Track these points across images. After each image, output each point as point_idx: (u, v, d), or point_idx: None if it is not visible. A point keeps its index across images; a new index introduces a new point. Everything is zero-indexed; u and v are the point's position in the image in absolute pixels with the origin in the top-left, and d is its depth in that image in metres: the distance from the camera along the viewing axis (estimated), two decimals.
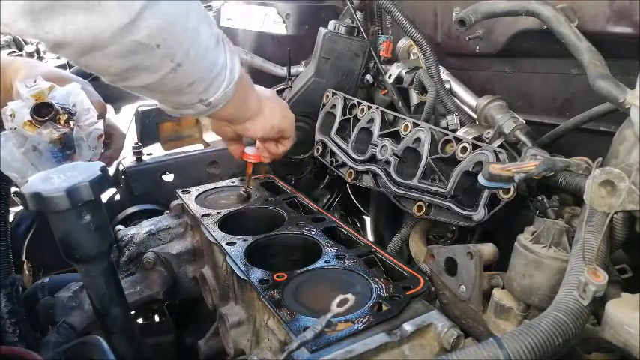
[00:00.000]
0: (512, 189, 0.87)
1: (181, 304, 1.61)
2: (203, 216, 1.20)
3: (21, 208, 1.46)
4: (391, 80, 1.42)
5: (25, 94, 1.07)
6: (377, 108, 1.27)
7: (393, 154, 1.16)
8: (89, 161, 1.15)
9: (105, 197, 1.75)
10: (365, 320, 0.78)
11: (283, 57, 1.69)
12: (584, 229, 0.68)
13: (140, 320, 1.68)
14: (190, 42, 0.70)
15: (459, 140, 1.02)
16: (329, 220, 1.16)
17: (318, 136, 1.45)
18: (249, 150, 1.14)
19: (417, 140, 1.11)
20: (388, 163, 1.17)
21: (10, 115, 1.06)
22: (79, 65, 0.68)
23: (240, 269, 0.95)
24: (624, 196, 0.63)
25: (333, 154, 1.39)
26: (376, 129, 1.24)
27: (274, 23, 1.84)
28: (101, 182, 0.86)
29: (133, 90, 0.75)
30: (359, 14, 1.51)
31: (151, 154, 1.70)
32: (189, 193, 1.36)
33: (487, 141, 1.09)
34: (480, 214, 0.93)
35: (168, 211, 1.39)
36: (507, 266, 0.78)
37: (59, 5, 0.58)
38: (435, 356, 0.77)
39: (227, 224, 1.17)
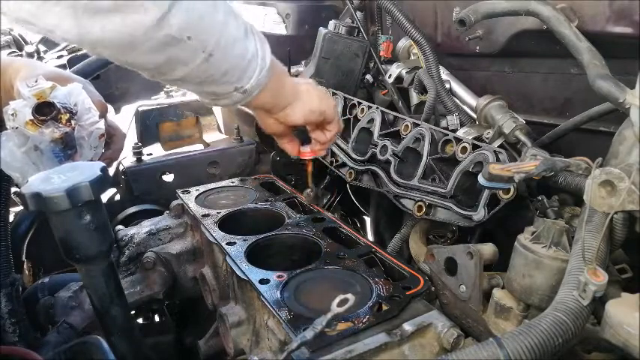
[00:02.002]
0: (512, 189, 0.87)
1: (181, 304, 1.61)
2: (203, 216, 1.20)
3: (21, 208, 1.46)
4: (391, 80, 1.42)
5: (27, 94, 1.07)
6: (377, 108, 1.27)
7: (393, 154, 1.16)
8: (90, 161, 1.15)
9: (105, 197, 1.75)
10: (365, 320, 0.78)
11: (283, 57, 1.67)
12: (584, 229, 0.68)
13: (140, 320, 1.68)
14: (219, 33, 0.75)
15: (459, 140, 1.02)
16: (329, 220, 1.16)
17: None
18: (304, 148, 1.13)
19: (417, 140, 1.11)
20: (388, 163, 1.17)
21: (12, 115, 1.06)
22: (120, 63, 0.74)
23: (240, 269, 0.95)
24: (624, 196, 0.63)
25: (333, 154, 1.39)
26: (376, 129, 1.24)
27: (274, 23, 1.84)
28: (101, 182, 0.86)
29: (172, 83, 0.84)
30: (359, 14, 1.51)
31: (151, 154, 1.70)
32: (189, 193, 1.36)
33: (487, 141, 1.09)
34: (480, 214, 0.93)
35: (168, 211, 1.39)
36: (507, 266, 0.78)
37: (98, 6, 0.64)
38: (435, 356, 0.77)
39: (227, 224, 1.17)
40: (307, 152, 1.13)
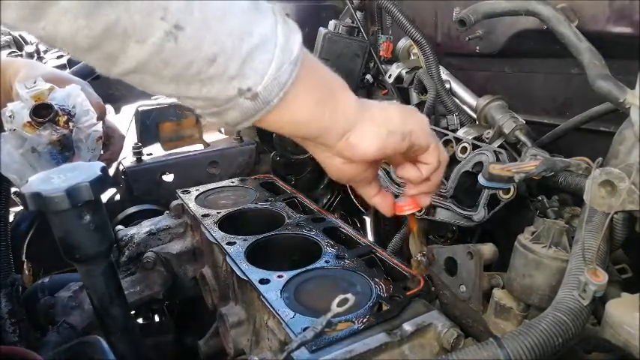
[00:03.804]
0: (512, 189, 0.88)
1: (181, 304, 1.61)
2: (203, 216, 1.20)
3: (21, 208, 1.46)
4: (391, 80, 1.42)
5: (25, 96, 1.07)
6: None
7: None
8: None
9: (105, 197, 1.75)
10: (365, 320, 0.78)
11: None
12: (584, 229, 0.68)
13: (140, 320, 1.68)
14: None
15: (458, 140, 1.02)
16: (329, 220, 1.16)
17: None
18: (400, 201, 0.81)
19: None
20: (388, 163, 1.17)
21: (10, 116, 1.06)
22: (42, 42, 0.55)
23: (240, 269, 0.95)
24: (624, 196, 0.63)
25: None
26: None
27: None
28: (101, 182, 0.86)
29: (135, 80, 0.55)
30: (359, 14, 1.51)
31: (151, 154, 1.70)
32: (189, 193, 1.36)
33: (487, 141, 1.09)
34: (480, 214, 0.93)
35: (168, 211, 1.39)
36: (507, 266, 0.78)
37: None
38: (435, 356, 0.77)
39: (227, 224, 1.17)
40: (404, 205, 0.80)
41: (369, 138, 0.65)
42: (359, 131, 0.65)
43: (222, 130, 2.03)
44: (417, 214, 1.06)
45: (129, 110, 2.04)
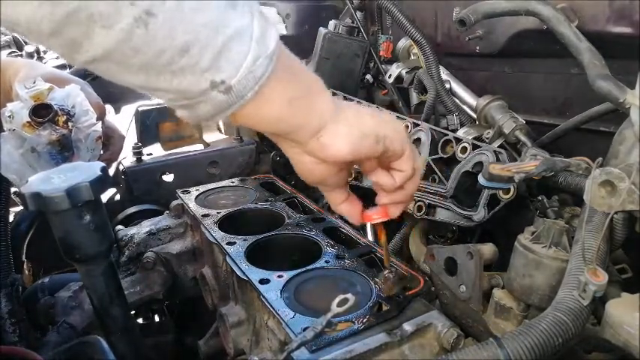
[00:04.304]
0: (512, 189, 0.87)
1: (181, 304, 1.61)
2: (203, 216, 1.20)
3: (21, 208, 1.46)
4: (391, 80, 1.42)
5: (24, 96, 1.07)
6: (377, 108, 1.27)
7: None
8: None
9: (105, 197, 1.75)
10: (365, 320, 0.78)
11: None
12: (584, 229, 0.68)
13: (140, 320, 1.68)
14: None
15: (458, 140, 1.02)
16: (329, 220, 1.16)
17: None
18: (370, 210, 0.78)
19: (417, 140, 1.11)
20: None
21: (9, 117, 1.07)
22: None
23: (240, 269, 0.95)
24: (624, 196, 0.63)
25: None
26: None
27: (274, 23, 1.84)
28: (101, 182, 0.86)
29: (101, 72, 0.53)
30: (359, 14, 1.51)
31: (151, 154, 1.70)
32: (189, 193, 1.36)
33: (487, 141, 1.09)
34: (480, 214, 0.93)
35: (168, 211, 1.39)
36: (507, 266, 0.78)
37: None
38: (435, 356, 0.77)
39: (227, 224, 1.17)
40: (374, 213, 0.77)
41: (342, 139, 0.63)
42: (332, 131, 0.63)
43: (222, 129, 2.04)
44: (417, 214, 1.06)
45: (129, 110, 2.04)
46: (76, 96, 1.14)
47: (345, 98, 1.39)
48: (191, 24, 0.50)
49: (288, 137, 0.64)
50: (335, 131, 0.63)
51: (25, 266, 1.38)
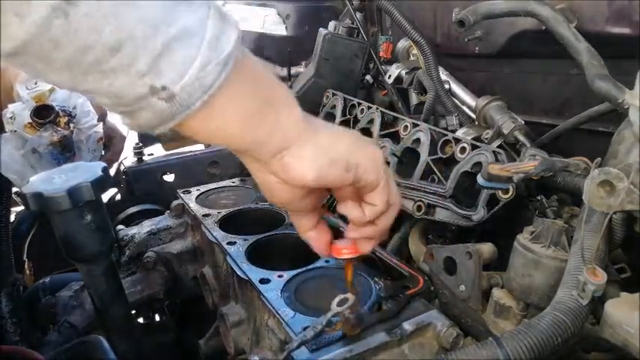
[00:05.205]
0: (511, 189, 0.88)
1: (182, 303, 1.61)
2: (204, 216, 1.20)
3: (22, 208, 1.46)
4: (391, 81, 1.42)
5: (26, 97, 1.08)
6: (377, 108, 1.27)
7: (393, 154, 1.16)
8: None
9: (106, 197, 1.75)
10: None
11: (283, 58, 1.70)
12: (583, 228, 0.68)
13: (141, 320, 1.68)
14: None
15: (458, 140, 1.02)
16: (329, 219, 1.16)
17: None
18: (340, 242, 0.71)
19: (417, 140, 1.12)
20: (387, 163, 1.17)
21: (11, 118, 1.07)
22: None
23: (241, 269, 0.95)
24: (623, 196, 0.64)
25: None
26: (376, 129, 1.24)
27: (274, 24, 1.84)
28: (102, 182, 0.87)
29: (22, 68, 0.47)
30: (359, 15, 1.51)
31: (152, 155, 1.70)
32: (190, 193, 1.36)
33: (486, 141, 1.09)
34: (479, 213, 0.94)
35: (168, 211, 1.39)
36: (506, 266, 0.79)
37: None
38: (435, 355, 0.77)
39: (227, 224, 1.18)
40: (343, 247, 0.69)
41: (307, 163, 0.56)
42: (296, 153, 0.56)
43: None
44: (417, 214, 1.06)
45: None
46: (77, 97, 1.14)
47: (345, 99, 1.39)
48: (124, 19, 0.43)
49: (246, 154, 0.59)
50: (300, 153, 0.56)
51: (26, 266, 1.39)
